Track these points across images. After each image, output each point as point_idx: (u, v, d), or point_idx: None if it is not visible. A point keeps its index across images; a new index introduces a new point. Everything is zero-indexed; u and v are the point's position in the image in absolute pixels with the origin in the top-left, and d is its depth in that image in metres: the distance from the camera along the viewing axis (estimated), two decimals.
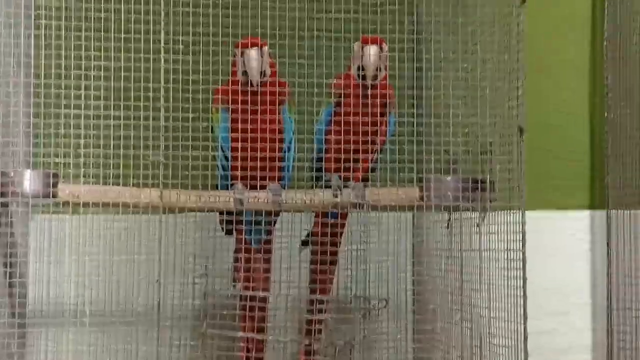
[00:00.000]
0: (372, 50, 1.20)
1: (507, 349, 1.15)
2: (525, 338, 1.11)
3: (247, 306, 1.24)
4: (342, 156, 1.24)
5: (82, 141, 1.20)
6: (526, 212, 1.12)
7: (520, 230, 1.11)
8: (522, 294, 1.11)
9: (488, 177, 1.19)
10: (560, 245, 1.61)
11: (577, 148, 1.68)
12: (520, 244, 1.11)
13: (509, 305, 1.14)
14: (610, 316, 1.57)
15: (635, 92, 1.50)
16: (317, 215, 1.34)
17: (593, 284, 1.66)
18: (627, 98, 1.54)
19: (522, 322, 1.11)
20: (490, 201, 1.18)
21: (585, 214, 1.67)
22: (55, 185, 1.16)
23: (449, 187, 1.19)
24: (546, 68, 1.62)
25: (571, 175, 1.67)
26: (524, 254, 1.11)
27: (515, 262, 1.13)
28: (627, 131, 1.53)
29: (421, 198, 1.20)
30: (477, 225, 1.19)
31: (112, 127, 1.19)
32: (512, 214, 1.13)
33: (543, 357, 1.37)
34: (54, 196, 1.15)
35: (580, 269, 1.65)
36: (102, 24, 1.19)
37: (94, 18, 1.19)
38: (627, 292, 1.52)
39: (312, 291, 1.33)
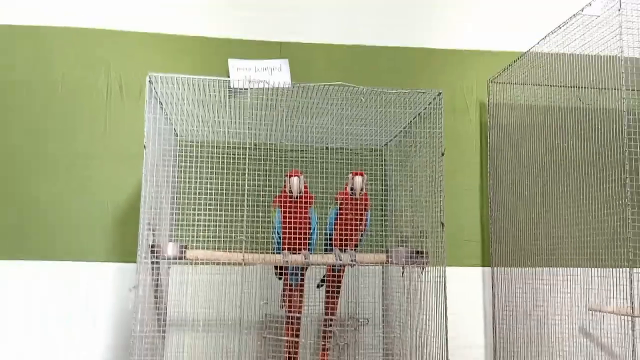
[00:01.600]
0: (357, 179, 1.75)
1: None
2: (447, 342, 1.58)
3: (289, 321, 1.79)
4: (342, 236, 1.76)
5: (200, 227, 1.82)
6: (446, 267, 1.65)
7: (443, 277, 1.65)
8: (444, 314, 1.62)
9: (424, 249, 1.71)
10: (463, 288, 2.04)
11: (473, 230, 2.14)
12: (443, 284, 1.63)
13: (436, 319, 1.64)
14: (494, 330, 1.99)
15: (506, 198, 2.00)
16: (328, 269, 1.83)
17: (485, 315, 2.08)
18: (501, 204, 2.01)
19: (445, 333, 1.59)
20: (426, 263, 1.70)
21: (479, 269, 2.12)
22: (184, 251, 1.66)
23: (402, 254, 1.72)
24: (451, 188, 1.99)
25: (470, 246, 2.12)
26: (445, 290, 1.62)
27: (440, 296, 1.63)
28: (501, 222, 2.01)
29: (387, 260, 1.72)
30: (419, 275, 1.72)
31: (217, 221, 1.79)
32: (437, 269, 1.65)
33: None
34: (183, 258, 1.66)
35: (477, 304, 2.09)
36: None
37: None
38: (506, 322, 1.93)
39: (326, 312, 1.83)
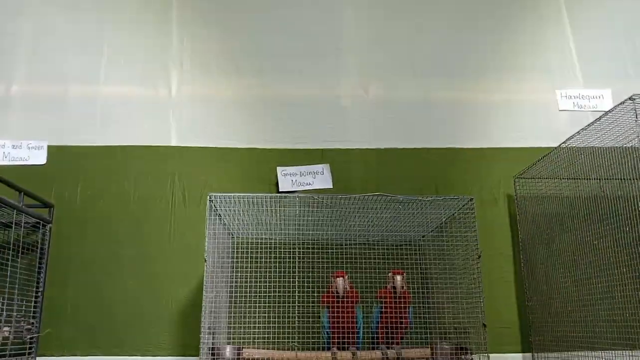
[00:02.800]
0: (398, 278, 1.80)
1: None
2: None
3: None
4: (387, 332, 1.78)
5: (253, 330, 1.89)
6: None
7: None
8: None
9: (467, 345, 1.73)
10: None
11: (511, 319, 2.13)
12: None
13: None
14: None
15: (541, 287, 1.99)
16: None
17: None
18: (537, 292, 2.00)
19: None
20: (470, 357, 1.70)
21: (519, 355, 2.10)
22: (240, 352, 1.74)
23: (447, 350, 1.73)
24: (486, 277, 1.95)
25: (509, 334, 2.11)
26: None
27: None
28: (538, 310, 2.00)
29: (431, 355, 1.73)
30: None
31: (270, 320, 1.87)
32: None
33: None
34: (240, 358, 1.72)
35: None
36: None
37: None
38: None
39: None
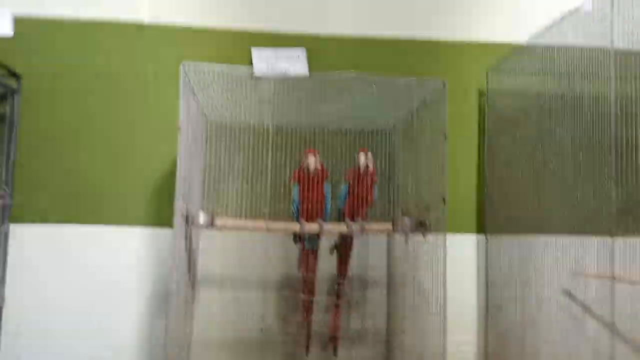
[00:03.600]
0: (362, 155, 1.84)
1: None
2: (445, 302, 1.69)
3: (305, 281, 1.91)
4: (353, 208, 1.85)
5: (228, 199, 1.94)
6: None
7: (443, 244, 1.75)
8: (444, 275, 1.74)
9: (427, 220, 1.81)
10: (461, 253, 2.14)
11: (471, 202, 2.22)
12: (443, 250, 1.73)
13: (435, 281, 1.76)
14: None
15: (501, 175, 2.06)
16: (339, 237, 1.93)
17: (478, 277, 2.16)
18: (496, 180, 2.07)
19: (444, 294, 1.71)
20: (428, 232, 1.79)
21: (474, 236, 2.19)
22: (214, 219, 1.78)
23: (407, 224, 1.83)
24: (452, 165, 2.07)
25: (468, 216, 2.22)
26: (444, 255, 1.72)
27: (440, 260, 1.74)
28: (495, 196, 2.09)
29: (393, 228, 1.85)
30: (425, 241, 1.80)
31: (243, 193, 1.92)
32: (438, 237, 1.75)
33: None
34: (213, 225, 1.77)
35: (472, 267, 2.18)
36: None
37: None
38: (496, 283, 2.01)
39: (338, 275, 1.97)
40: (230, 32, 2.26)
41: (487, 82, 2.22)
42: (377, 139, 2.02)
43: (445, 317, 1.66)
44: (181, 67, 1.69)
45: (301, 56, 2.18)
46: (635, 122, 1.39)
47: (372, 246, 2.05)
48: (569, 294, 1.75)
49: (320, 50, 2.25)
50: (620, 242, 1.44)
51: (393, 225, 1.86)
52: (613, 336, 1.48)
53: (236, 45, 2.23)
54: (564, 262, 1.69)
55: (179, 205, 1.65)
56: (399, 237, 1.99)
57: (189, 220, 1.74)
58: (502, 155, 2.07)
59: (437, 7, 2.36)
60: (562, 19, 1.71)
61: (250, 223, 1.83)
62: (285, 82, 1.85)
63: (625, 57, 1.42)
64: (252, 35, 2.26)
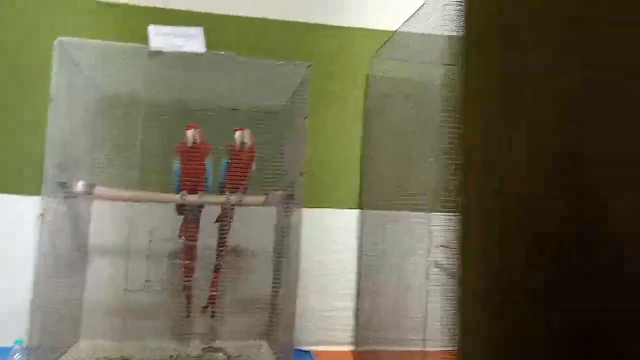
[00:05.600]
0: (238, 133, 1.90)
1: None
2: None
3: (187, 249, 1.96)
4: (232, 181, 1.90)
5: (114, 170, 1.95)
6: (318, 208, 1.97)
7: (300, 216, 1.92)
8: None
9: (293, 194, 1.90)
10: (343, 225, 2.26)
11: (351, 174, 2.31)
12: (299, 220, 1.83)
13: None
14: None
15: (372, 150, 2.14)
16: (221, 208, 1.98)
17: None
18: (370, 158, 2.16)
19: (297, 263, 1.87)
20: (294, 203, 1.89)
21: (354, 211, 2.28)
22: (92, 188, 1.81)
23: (277, 197, 1.90)
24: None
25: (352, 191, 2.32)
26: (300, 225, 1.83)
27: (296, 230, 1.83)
28: (369, 174, 2.18)
29: (266, 200, 1.91)
30: (286, 213, 1.94)
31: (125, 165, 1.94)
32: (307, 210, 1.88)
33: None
34: (91, 194, 1.82)
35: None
36: None
37: None
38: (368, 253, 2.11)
39: (218, 242, 1.99)
40: (133, 7, 2.22)
41: (370, 67, 2.26)
42: (268, 118, 2.06)
43: (296, 282, 1.78)
44: (55, 43, 1.66)
45: (199, 34, 2.17)
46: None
47: (263, 218, 2.08)
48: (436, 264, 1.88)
49: (221, 29, 2.24)
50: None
51: (266, 197, 1.90)
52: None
53: (140, 22, 2.17)
54: (417, 236, 1.72)
55: (50, 173, 1.65)
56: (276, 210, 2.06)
57: (66, 188, 1.75)
58: (373, 137, 2.16)
59: None
60: (422, 6, 1.76)
61: (130, 194, 1.84)
62: (178, 59, 1.83)
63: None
64: (154, 10, 2.22)
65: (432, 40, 1.61)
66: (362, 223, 2.24)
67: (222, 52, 1.79)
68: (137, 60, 1.81)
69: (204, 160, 1.92)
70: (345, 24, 2.37)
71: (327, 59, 2.32)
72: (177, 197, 1.88)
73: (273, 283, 1.99)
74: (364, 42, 2.35)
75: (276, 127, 2.07)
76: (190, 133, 1.87)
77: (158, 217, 2.00)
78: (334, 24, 2.36)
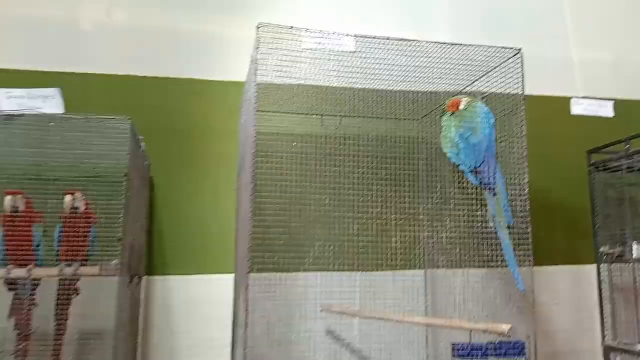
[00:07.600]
0: (67, 198, 1.67)
1: None
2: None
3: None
4: (67, 251, 1.66)
5: None
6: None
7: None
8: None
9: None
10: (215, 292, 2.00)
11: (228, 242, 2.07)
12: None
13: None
14: None
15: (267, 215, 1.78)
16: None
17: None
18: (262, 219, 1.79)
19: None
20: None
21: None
22: None
23: (110, 267, 1.60)
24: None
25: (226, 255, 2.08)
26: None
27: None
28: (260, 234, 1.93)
29: (100, 271, 1.61)
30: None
31: None
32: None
33: None
34: None
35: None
36: None
37: None
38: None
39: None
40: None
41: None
42: (104, 182, 1.77)
43: None
44: None
45: (57, 96, 1.99)
46: None
47: (102, 293, 1.77)
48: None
49: (80, 88, 2.06)
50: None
51: (100, 268, 1.64)
52: None
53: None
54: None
55: None
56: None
57: None
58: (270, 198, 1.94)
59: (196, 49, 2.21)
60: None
61: None
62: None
63: None
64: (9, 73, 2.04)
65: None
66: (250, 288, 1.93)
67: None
68: None
69: (31, 229, 1.67)
70: (216, 78, 2.19)
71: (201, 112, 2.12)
72: (5, 271, 1.62)
73: None
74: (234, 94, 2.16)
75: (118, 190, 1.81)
76: (8, 200, 1.65)
77: None
78: (203, 77, 2.18)
